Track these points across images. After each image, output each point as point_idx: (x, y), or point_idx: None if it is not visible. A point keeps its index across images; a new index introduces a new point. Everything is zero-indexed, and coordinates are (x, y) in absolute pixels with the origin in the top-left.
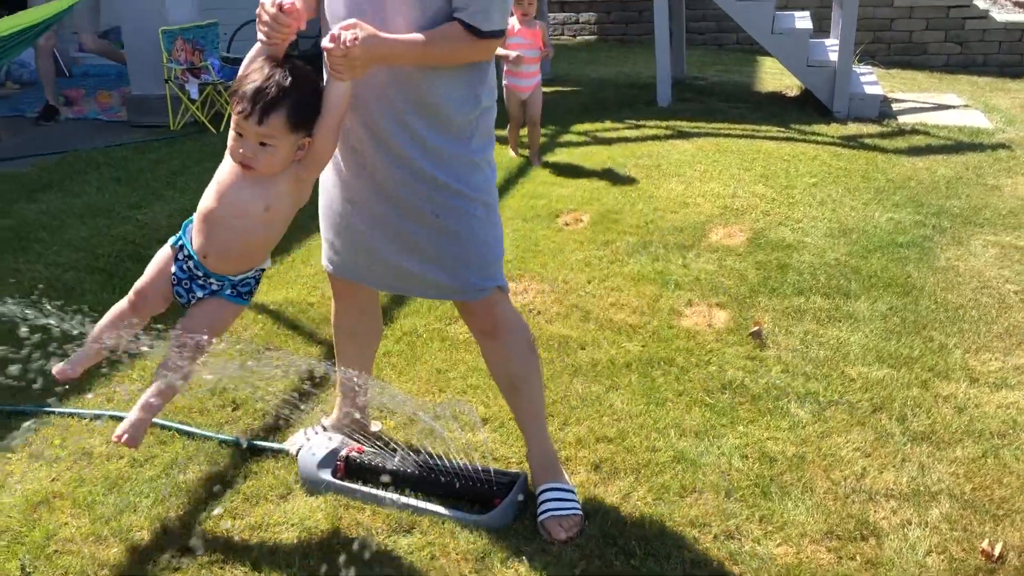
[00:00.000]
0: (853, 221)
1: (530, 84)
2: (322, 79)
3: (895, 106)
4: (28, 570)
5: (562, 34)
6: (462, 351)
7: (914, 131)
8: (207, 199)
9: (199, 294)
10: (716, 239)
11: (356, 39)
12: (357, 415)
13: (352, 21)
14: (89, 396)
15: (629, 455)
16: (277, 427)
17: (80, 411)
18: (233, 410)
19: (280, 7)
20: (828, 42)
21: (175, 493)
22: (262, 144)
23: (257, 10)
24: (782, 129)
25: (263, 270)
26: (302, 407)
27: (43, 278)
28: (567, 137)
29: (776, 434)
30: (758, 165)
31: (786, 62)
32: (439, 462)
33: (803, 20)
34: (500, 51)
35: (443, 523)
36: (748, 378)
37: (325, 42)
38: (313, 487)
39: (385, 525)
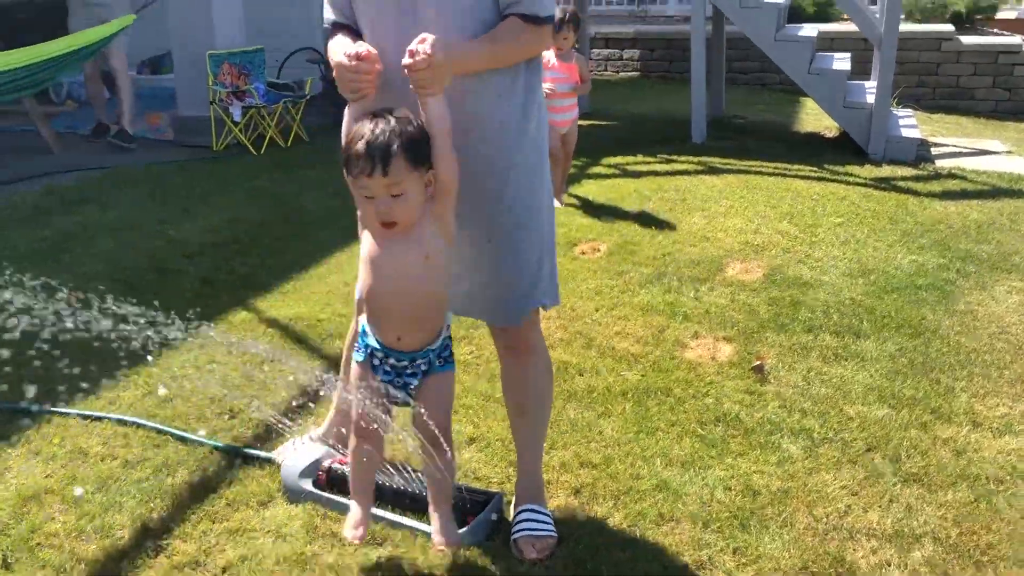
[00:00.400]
0: (874, 262)
1: (567, 119)
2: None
3: (934, 150)
4: (9, 561)
5: (605, 70)
6: (460, 371)
7: (950, 175)
8: (365, 283)
9: (414, 383)
10: (732, 274)
11: (434, 46)
12: (345, 431)
13: (421, 36)
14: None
15: (611, 481)
16: (269, 436)
17: (84, 412)
18: (230, 418)
19: (358, 56)
20: (868, 84)
21: (160, 495)
22: (394, 196)
23: (335, 73)
24: (815, 169)
25: (449, 326)
26: (296, 418)
27: (64, 288)
28: (597, 169)
29: (764, 468)
30: (785, 203)
31: (821, 102)
32: (417, 477)
33: (842, 61)
34: None
35: (415, 538)
36: (744, 412)
37: (405, 60)
38: (294, 496)
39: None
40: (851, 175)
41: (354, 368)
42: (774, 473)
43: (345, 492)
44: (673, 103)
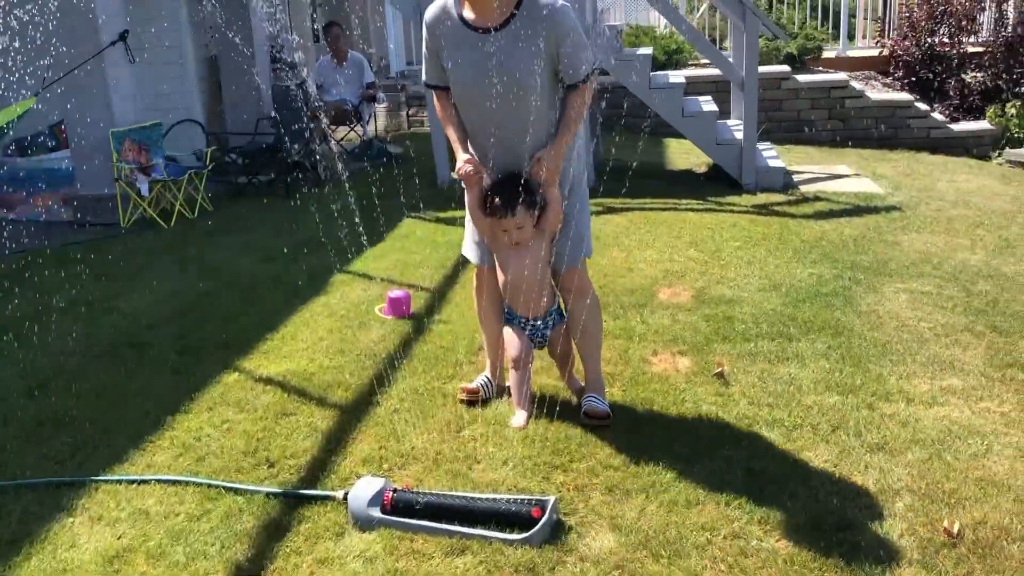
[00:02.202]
0: (780, 277)
1: None
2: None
3: (795, 177)
4: None
5: None
6: (463, 405)
7: (816, 198)
8: (504, 282)
9: (548, 332)
10: (665, 298)
11: (548, 165)
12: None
13: (537, 158)
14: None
15: (636, 478)
16: (313, 480)
17: (130, 477)
18: (269, 467)
19: (464, 172)
20: (731, 122)
21: (238, 540)
22: (517, 228)
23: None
24: (701, 201)
25: (557, 298)
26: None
27: (48, 365)
28: None
29: (755, 453)
30: (686, 234)
31: (698, 141)
32: (478, 494)
33: (708, 104)
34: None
35: (490, 544)
36: (721, 410)
37: (536, 173)
38: (365, 524)
39: (439, 549)
40: (733, 204)
41: (508, 331)
42: (765, 456)
43: (409, 514)
44: None
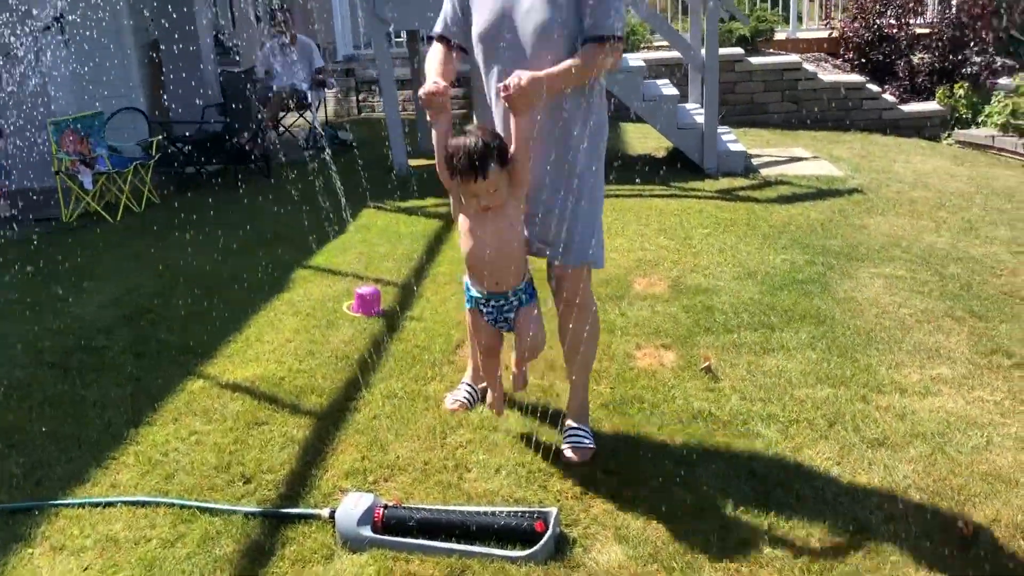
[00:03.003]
0: (754, 264)
1: None
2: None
3: (755, 160)
4: None
5: None
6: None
7: (779, 182)
8: (471, 250)
9: (511, 315)
10: (641, 288)
11: (525, 80)
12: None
13: (517, 73)
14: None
15: (636, 484)
16: (294, 496)
17: (94, 500)
18: (245, 483)
19: (428, 92)
20: (689, 106)
21: (218, 567)
22: (490, 192)
23: (420, 100)
24: (664, 187)
25: (529, 270)
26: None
27: None
28: None
29: (755, 453)
30: (654, 221)
31: (659, 126)
32: (474, 508)
33: (668, 87)
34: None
35: (492, 562)
36: (714, 407)
37: (500, 90)
38: (356, 544)
39: (437, 570)
40: (697, 189)
41: (468, 315)
42: (765, 456)
43: (403, 532)
44: None
